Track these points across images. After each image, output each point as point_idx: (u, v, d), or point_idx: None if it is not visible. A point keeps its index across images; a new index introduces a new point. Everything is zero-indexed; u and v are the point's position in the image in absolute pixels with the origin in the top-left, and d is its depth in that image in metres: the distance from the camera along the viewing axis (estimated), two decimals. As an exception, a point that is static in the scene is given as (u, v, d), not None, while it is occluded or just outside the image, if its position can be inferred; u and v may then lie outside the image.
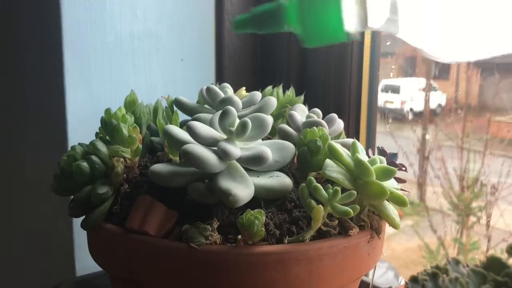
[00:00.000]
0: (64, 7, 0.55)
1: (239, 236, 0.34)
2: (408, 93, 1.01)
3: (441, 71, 0.95)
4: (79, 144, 0.39)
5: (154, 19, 0.63)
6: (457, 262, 0.27)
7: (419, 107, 0.99)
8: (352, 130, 0.63)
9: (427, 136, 0.85)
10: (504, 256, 0.27)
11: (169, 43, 0.64)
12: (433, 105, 0.91)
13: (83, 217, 0.39)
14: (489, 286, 0.24)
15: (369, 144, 0.65)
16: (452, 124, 0.84)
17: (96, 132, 0.43)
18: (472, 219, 0.82)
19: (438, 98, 0.93)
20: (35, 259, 0.64)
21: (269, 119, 0.39)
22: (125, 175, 0.39)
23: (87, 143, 0.40)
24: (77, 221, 0.57)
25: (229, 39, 0.67)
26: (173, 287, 0.35)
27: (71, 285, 0.57)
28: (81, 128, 0.57)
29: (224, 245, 0.34)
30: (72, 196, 0.39)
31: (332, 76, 0.64)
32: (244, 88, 0.48)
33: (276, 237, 0.35)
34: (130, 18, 0.60)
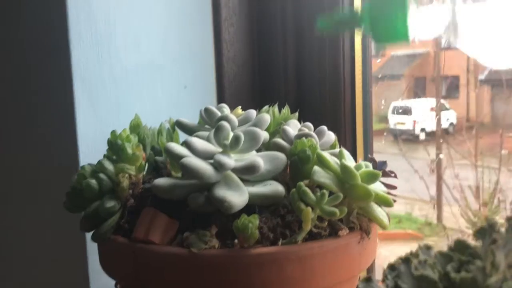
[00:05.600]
0: (73, 44, 0.59)
1: (236, 240, 0.37)
2: (420, 114, 1.02)
3: (450, 90, 0.96)
4: (88, 164, 0.43)
5: (158, 51, 0.67)
6: (428, 247, 0.29)
7: (431, 127, 1.00)
8: (349, 144, 0.66)
9: (441, 156, 0.86)
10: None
11: (172, 72, 0.68)
12: (445, 124, 0.92)
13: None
14: (454, 264, 0.27)
15: (366, 154, 0.68)
16: (465, 142, 0.85)
17: (104, 154, 0.47)
18: (491, 236, 0.82)
19: (449, 117, 0.94)
20: (48, 277, 0.67)
21: (261, 132, 0.42)
22: (131, 190, 0.43)
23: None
24: (91, 243, 0.61)
25: (228, 66, 0.71)
26: (177, 290, 0.38)
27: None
28: (91, 154, 0.61)
29: (222, 249, 0.37)
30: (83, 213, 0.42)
31: (327, 95, 0.67)
32: (239, 107, 0.51)
33: (270, 240, 0.38)
34: (134, 51, 0.65)
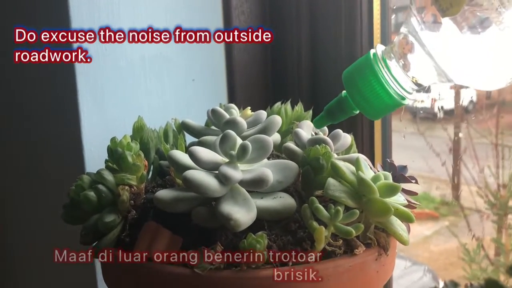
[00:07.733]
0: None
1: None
2: (438, 91, 0.99)
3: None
4: (87, 173, 0.40)
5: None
6: (455, 284, 0.26)
7: (450, 105, 0.97)
8: (366, 142, 0.63)
9: (460, 134, 0.83)
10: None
11: (180, 64, 0.65)
12: (464, 102, 0.89)
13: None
14: (485, 310, 0.24)
15: (385, 154, 0.64)
16: (485, 121, 0.82)
17: (106, 159, 0.44)
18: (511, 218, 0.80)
19: (469, 95, 0.91)
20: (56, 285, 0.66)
21: (270, 140, 0.39)
22: (132, 201, 0.40)
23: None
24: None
25: (239, 56, 0.67)
26: (180, 313, 0.35)
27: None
28: (98, 154, 0.59)
29: (228, 270, 0.35)
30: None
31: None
32: (249, 108, 0.48)
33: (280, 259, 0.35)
34: (140, 43, 0.61)
